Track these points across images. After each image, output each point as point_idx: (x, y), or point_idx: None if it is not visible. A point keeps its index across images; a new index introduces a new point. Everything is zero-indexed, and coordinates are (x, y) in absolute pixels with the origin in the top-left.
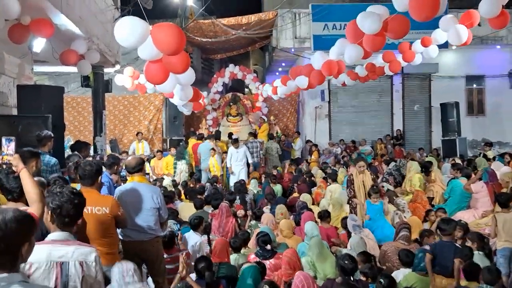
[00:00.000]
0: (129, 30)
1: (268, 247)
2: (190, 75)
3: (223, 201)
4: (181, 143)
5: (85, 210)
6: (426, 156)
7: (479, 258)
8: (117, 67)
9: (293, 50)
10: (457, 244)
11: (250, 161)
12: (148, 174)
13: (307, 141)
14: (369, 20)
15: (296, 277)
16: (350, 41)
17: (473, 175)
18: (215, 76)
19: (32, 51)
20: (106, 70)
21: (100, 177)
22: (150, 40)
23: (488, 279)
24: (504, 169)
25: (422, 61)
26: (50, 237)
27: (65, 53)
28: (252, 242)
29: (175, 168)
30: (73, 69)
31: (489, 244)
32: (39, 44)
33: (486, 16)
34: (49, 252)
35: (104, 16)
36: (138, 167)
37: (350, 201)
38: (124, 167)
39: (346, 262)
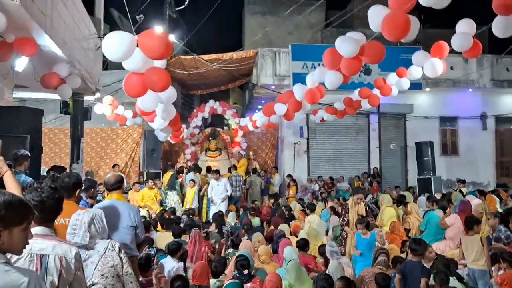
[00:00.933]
0: (116, 42)
1: (246, 271)
2: (171, 92)
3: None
4: (172, 174)
5: (62, 222)
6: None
7: (453, 282)
8: (97, 95)
9: (272, 87)
10: (424, 264)
11: (228, 193)
12: (126, 193)
13: (288, 175)
14: (346, 44)
15: None
16: (328, 68)
17: (448, 209)
18: (195, 110)
19: (14, 71)
20: (85, 98)
21: (78, 190)
22: (137, 50)
23: None
24: (476, 201)
25: (397, 101)
26: (31, 231)
27: (47, 75)
28: (229, 269)
29: (165, 198)
30: (51, 96)
31: (454, 270)
32: (21, 63)
33: (460, 50)
34: (31, 244)
35: (87, 43)
36: (117, 185)
37: (342, 230)
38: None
39: (323, 279)
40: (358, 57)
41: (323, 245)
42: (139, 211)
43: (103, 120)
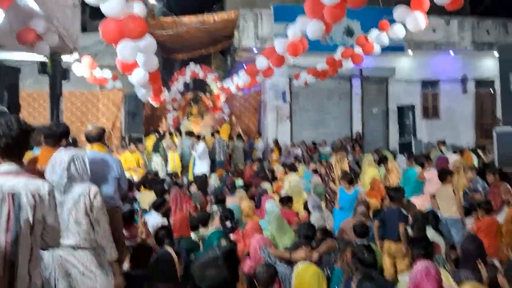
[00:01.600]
0: None
1: (228, 223)
2: (149, 40)
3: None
4: (157, 137)
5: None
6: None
7: (429, 231)
8: (76, 55)
9: (255, 49)
10: (402, 211)
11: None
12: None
13: (274, 140)
14: None
15: (254, 238)
16: (310, 16)
17: (426, 164)
18: (175, 74)
19: None
20: (64, 59)
21: (65, 140)
22: None
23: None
24: (455, 157)
25: (379, 64)
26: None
27: (23, 31)
28: (215, 224)
29: (150, 161)
30: (29, 56)
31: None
32: None
33: (441, 3)
34: (0, 183)
35: (64, 0)
36: (99, 136)
37: (328, 188)
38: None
39: (306, 228)
40: (341, 3)
41: (306, 201)
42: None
43: (82, 84)
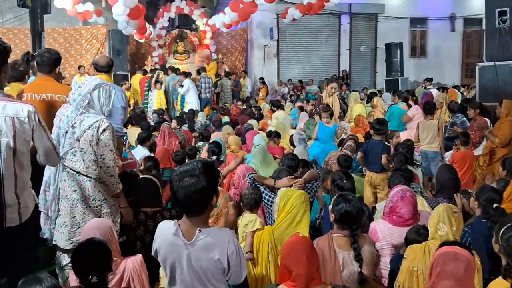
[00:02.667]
0: None
1: (214, 157)
2: None
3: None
4: (151, 74)
5: (44, 97)
6: None
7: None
8: None
9: None
10: (385, 142)
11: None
12: None
13: (260, 78)
14: None
15: (238, 168)
16: None
17: (410, 101)
18: (160, 10)
19: None
20: None
21: (58, 67)
22: None
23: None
24: (438, 92)
25: (369, 0)
26: None
27: None
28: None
29: (145, 99)
30: None
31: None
32: None
33: None
34: None
35: None
36: (107, 68)
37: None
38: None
39: (290, 158)
40: None
41: (291, 137)
42: None
43: (65, 19)
